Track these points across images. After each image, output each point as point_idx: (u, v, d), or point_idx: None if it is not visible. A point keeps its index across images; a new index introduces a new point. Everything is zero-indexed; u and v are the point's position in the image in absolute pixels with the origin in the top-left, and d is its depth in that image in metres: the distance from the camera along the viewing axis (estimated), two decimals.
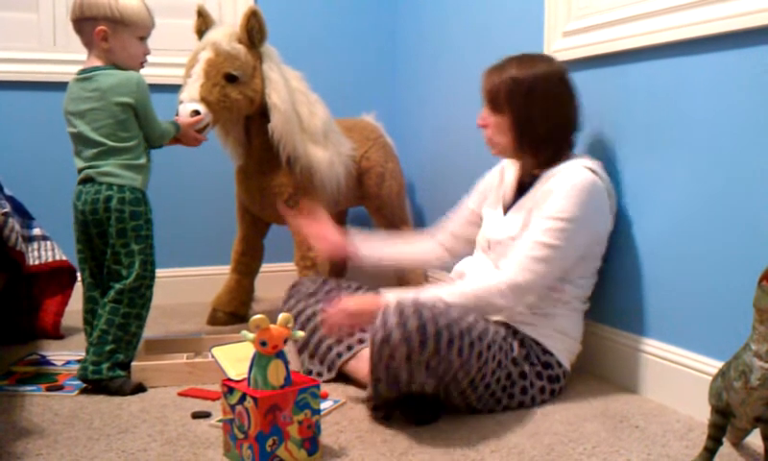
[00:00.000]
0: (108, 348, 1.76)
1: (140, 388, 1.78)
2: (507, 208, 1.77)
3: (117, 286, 1.78)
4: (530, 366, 1.65)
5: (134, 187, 1.80)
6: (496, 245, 1.72)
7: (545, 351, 1.68)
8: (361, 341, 1.78)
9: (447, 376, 1.49)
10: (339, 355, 1.80)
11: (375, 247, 1.97)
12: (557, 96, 1.66)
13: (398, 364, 1.44)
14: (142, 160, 1.82)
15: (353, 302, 1.63)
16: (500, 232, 1.72)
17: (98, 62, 1.81)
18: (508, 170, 1.84)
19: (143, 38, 1.87)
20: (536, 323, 1.68)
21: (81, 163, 1.81)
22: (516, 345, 1.64)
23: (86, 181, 1.80)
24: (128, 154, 1.79)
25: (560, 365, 1.70)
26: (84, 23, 1.80)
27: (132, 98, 1.78)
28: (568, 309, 1.71)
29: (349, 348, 1.80)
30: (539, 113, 1.65)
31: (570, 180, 1.62)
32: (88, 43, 1.83)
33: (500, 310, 1.64)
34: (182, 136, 2.02)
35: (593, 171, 1.65)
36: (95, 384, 1.75)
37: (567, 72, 1.72)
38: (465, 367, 1.50)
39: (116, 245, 1.78)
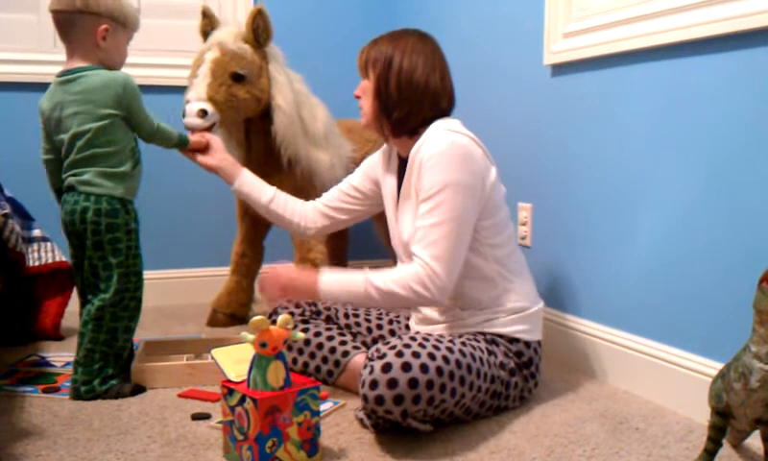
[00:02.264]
0: (96, 365, 1.73)
1: (139, 388, 1.77)
2: (396, 200, 1.77)
3: (97, 302, 1.73)
4: (512, 361, 1.65)
5: (113, 197, 1.72)
6: (407, 246, 1.69)
7: (512, 340, 1.66)
8: (346, 353, 1.77)
9: (444, 415, 1.51)
10: (330, 374, 1.79)
11: (251, 181, 1.94)
12: (414, 69, 1.67)
13: (394, 419, 1.44)
14: (125, 167, 1.73)
15: (287, 276, 1.65)
16: (405, 232, 1.70)
17: (83, 63, 1.74)
18: (392, 157, 1.82)
19: (128, 42, 1.84)
20: (491, 317, 1.66)
21: (64, 170, 1.75)
22: (494, 348, 1.63)
23: (69, 189, 1.74)
24: (110, 160, 1.71)
25: (528, 345, 1.68)
26: (84, 17, 1.71)
27: (117, 101, 1.70)
28: (507, 282, 1.68)
29: (337, 363, 1.78)
30: (394, 82, 1.67)
31: (430, 150, 1.59)
32: (77, 39, 1.73)
33: (428, 303, 1.62)
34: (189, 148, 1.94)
35: (453, 131, 1.62)
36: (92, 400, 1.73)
37: (434, 48, 1.71)
38: (459, 403, 1.51)
39: (93, 258, 1.73)
